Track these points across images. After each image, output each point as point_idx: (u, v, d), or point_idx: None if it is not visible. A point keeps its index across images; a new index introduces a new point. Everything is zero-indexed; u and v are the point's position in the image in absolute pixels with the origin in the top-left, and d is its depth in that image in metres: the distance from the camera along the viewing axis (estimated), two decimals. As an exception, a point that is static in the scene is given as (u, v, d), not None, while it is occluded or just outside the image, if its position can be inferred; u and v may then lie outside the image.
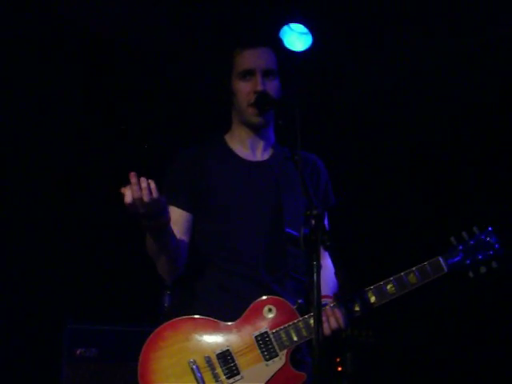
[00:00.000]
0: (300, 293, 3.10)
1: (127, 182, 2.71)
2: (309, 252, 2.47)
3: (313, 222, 2.49)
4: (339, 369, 5.34)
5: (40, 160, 5.31)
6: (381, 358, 5.69)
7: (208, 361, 2.87)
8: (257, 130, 3.21)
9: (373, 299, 2.92)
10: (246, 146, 3.23)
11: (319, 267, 2.42)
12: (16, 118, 5.18)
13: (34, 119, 5.27)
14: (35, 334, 5.13)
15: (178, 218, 3.08)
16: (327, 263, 3.10)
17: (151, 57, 5.61)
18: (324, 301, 2.92)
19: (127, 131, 5.59)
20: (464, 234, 3.00)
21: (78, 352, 4.79)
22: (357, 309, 2.91)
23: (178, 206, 3.11)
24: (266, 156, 3.24)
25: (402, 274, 2.95)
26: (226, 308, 2.98)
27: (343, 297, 2.92)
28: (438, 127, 5.79)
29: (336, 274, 2.81)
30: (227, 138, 3.28)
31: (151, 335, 2.94)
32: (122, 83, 5.52)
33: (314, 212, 2.50)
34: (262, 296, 2.96)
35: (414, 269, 2.95)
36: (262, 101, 3.07)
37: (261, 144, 3.24)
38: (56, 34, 5.17)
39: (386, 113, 5.94)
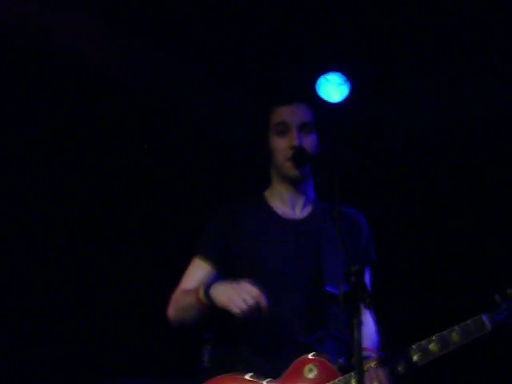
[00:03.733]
0: (341, 352, 3.03)
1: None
2: (349, 309, 2.44)
3: (352, 278, 2.47)
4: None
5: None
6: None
7: None
8: (295, 185, 3.22)
9: (415, 358, 2.85)
10: (286, 203, 3.24)
11: (360, 324, 2.39)
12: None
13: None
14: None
15: (202, 272, 3.14)
16: (368, 320, 3.05)
17: (191, 117, 5.63)
18: (367, 353, 2.86)
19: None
20: (509, 290, 2.92)
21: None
22: (400, 369, 2.84)
23: (206, 261, 3.15)
24: (305, 213, 3.24)
25: (445, 332, 2.88)
26: (267, 368, 2.95)
27: (386, 356, 2.87)
28: (485, 172, 5.70)
29: (378, 331, 2.78)
30: (267, 194, 3.30)
31: None
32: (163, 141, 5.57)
33: (353, 268, 2.49)
34: (300, 356, 2.92)
35: (456, 327, 2.88)
36: (298, 155, 3.09)
37: (300, 200, 3.24)
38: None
39: (430, 160, 5.88)
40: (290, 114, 3.19)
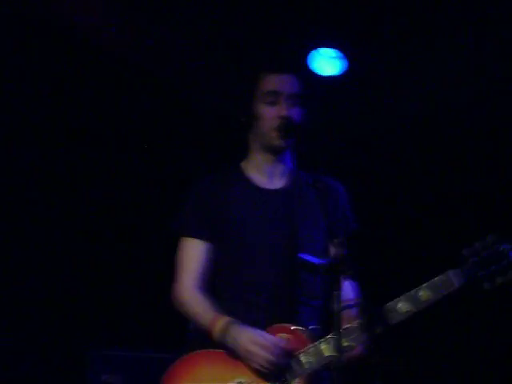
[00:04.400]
0: (313, 319, 3.06)
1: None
2: (329, 281, 2.51)
3: (335, 250, 2.52)
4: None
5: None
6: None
7: None
8: (276, 155, 3.18)
9: (389, 317, 2.82)
10: (264, 173, 3.21)
11: (339, 297, 2.44)
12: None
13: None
14: (59, 360, 5.12)
15: (198, 250, 3.12)
16: (346, 286, 3.03)
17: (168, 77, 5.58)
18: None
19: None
20: (477, 244, 2.85)
21: (102, 378, 4.76)
22: (377, 330, 2.81)
23: (200, 239, 3.12)
24: (283, 183, 3.21)
25: (413, 291, 2.85)
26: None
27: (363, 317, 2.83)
28: (476, 156, 5.69)
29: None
30: (244, 165, 3.27)
31: (169, 368, 2.98)
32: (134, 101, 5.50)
33: (335, 241, 2.49)
34: (274, 324, 2.92)
35: (423, 285, 2.85)
36: (286, 126, 3.04)
37: (278, 170, 3.22)
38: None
39: (424, 142, 5.86)
40: (282, 83, 3.13)
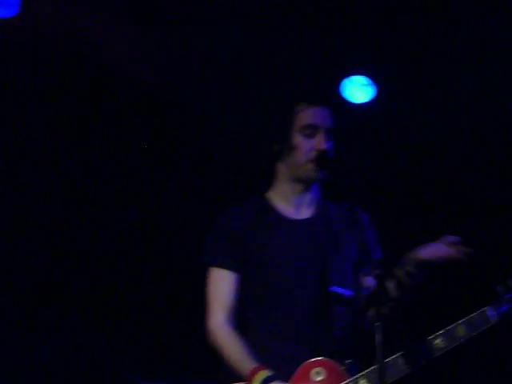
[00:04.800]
0: (347, 353, 3.06)
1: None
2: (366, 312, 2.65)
3: (374, 281, 2.57)
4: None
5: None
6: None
7: None
8: (306, 186, 3.21)
9: (427, 353, 2.86)
10: (291, 204, 3.22)
11: (381, 328, 2.45)
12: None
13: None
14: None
15: (231, 281, 3.12)
16: None
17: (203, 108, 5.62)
18: None
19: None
20: (510, 281, 2.92)
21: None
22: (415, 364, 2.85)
23: (228, 269, 3.12)
24: (310, 213, 3.23)
25: (450, 327, 2.89)
26: (276, 370, 2.94)
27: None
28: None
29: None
30: (269, 195, 3.27)
31: None
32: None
33: (376, 272, 2.52)
34: (307, 358, 2.94)
35: (460, 322, 2.89)
36: (323, 159, 3.09)
37: (306, 201, 3.23)
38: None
39: (452, 166, 5.87)
40: (320, 116, 3.17)
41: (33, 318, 5.16)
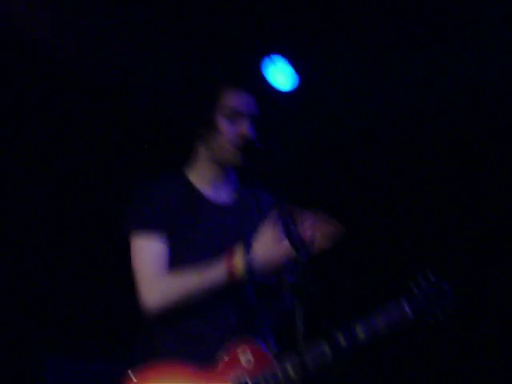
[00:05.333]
0: (270, 336, 3.11)
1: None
2: (292, 300, 2.53)
3: (299, 270, 2.55)
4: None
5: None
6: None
7: None
8: (226, 171, 3.19)
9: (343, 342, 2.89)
10: (210, 186, 3.19)
11: (302, 316, 2.46)
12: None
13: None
14: (16, 368, 5.09)
15: (158, 244, 3.01)
16: None
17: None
18: None
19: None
20: (421, 280, 3.04)
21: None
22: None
23: (156, 231, 3.01)
24: (229, 198, 3.23)
25: (369, 316, 2.96)
26: (198, 353, 2.96)
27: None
28: (426, 168, 5.84)
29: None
30: (189, 174, 3.23)
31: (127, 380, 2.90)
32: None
33: (301, 260, 2.56)
34: (232, 342, 2.96)
35: (378, 311, 2.96)
36: (247, 146, 3.07)
37: (225, 185, 3.23)
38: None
39: (378, 154, 5.97)
40: (246, 102, 3.15)
41: None
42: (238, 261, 2.87)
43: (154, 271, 2.96)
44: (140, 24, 5.22)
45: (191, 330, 2.98)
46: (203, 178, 3.20)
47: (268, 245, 2.86)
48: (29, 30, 5.00)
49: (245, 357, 2.95)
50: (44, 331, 5.16)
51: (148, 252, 2.99)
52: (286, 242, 2.69)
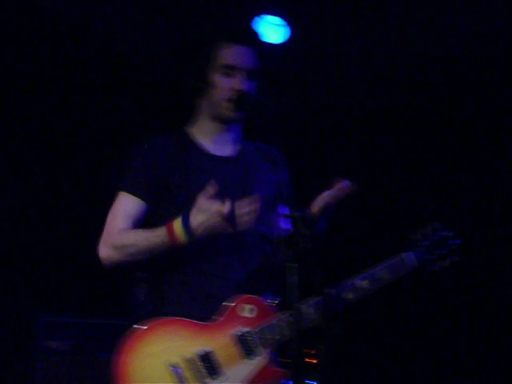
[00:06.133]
0: (271, 289, 3.11)
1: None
2: (287, 253, 2.53)
3: (293, 224, 2.56)
4: (314, 361, 5.36)
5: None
6: (352, 350, 5.75)
7: (191, 362, 2.87)
8: (227, 125, 3.19)
9: (350, 295, 2.95)
10: (212, 141, 3.20)
11: (297, 269, 2.47)
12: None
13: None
14: (7, 327, 5.10)
15: (132, 207, 3.05)
16: None
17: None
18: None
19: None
20: (423, 229, 3.07)
21: (51, 345, 4.78)
22: (334, 304, 2.92)
23: (135, 195, 3.06)
24: (231, 151, 3.22)
25: (374, 269, 2.98)
26: (197, 307, 2.98)
27: (322, 293, 2.89)
28: (411, 120, 5.82)
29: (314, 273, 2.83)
30: (192, 131, 3.24)
31: (128, 335, 2.91)
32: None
33: (295, 214, 2.55)
34: (234, 294, 2.97)
35: (380, 264, 2.99)
36: (242, 100, 3.06)
37: (228, 139, 3.22)
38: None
39: (367, 105, 5.94)
40: (242, 55, 3.13)
41: None
42: (178, 225, 2.90)
43: (115, 226, 3.04)
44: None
45: (194, 285, 3.00)
46: (204, 133, 3.21)
47: (204, 212, 2.87)
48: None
49: (247, 309, 2.97)
50: (37, 290, 5.17)
51: (118, 209, 3.07)
52: (222, 211, 2.81)
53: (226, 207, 2.84)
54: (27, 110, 5.36)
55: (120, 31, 5.47)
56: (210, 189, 2.87)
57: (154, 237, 2.94)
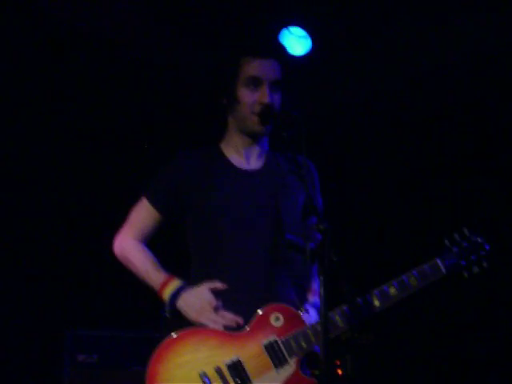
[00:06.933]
0: (302, 298, 3.13)
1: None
2: (315, 265, 2.56)
3: (321, 236, 2.56)
4: (339, 372, 5.35)
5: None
6: (379, 360, 5.72)
7: (219, 372, 2.88)
8: (254, 139, 3.22)
9: (376, 303, 2.94)
10: (241, 155, 3.24)
11: (327, 282, 2.49)
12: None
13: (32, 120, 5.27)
14: (37, 341, 5.13)
15: (149, 215, 3.20)
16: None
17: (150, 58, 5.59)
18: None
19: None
20: (456, 235, 3.06)
21: (78, 358, 4.80)
22: (361, 313, 2.91)
23: (151, 203, 3.19)
24: (259, 164, 3.25)
25: (403, 276, 2.97)
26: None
27: (349, 301, 2.92)
28: (437, 130, 5.79)
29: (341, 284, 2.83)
30: (222, 146, 3.29)
31: (159, 346, 2.94)
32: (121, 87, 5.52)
33: (322, 226, 2.55)
34: (265, 304, 2.97)
35: (413, 271, 2.98)
36: (267, 113, 3.08)
37: (256, 152, 3.25)
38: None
39: (388, 116, 5.92)
40: (265, 69, 3.14)
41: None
42: (168, 291, 3.04)
43: (133, 231, 3.23)
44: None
45: (222, 295, 3.01)
46: (233, 148, 3.25)
47: (198, 299, 3.00)
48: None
49: (276, 318, 2.96)
50: (63, 303, 5.19)
51: (138, 213, 3.24)
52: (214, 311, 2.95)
53: (218, 305, 2.96)
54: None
55: (151, 48, 5.55)
56: (219, 285, 2.99)
57: (151, 275, 3.10)
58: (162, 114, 5.74)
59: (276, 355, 2.91)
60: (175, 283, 3.04)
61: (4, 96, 5.09)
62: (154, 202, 3.18)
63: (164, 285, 3.04)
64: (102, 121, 5.57)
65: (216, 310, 2.96)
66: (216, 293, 3.02)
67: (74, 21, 5.17)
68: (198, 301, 2.98)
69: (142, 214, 3.21)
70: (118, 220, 3.21)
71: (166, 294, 3.02)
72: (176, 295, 3.01)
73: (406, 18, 5.29)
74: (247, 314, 2.97)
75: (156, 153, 5.44)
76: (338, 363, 5.34)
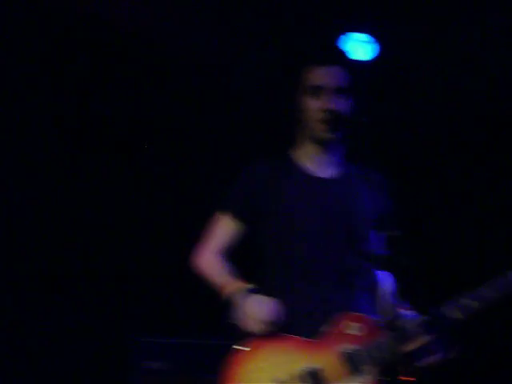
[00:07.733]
0: (373, 309, 3.08)
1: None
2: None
3: (393, 245, 2.62)
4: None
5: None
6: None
7: (298, 379, 2.86)
8: (325, 147, 3.21)
9: (458, 315, 2.86)
10: (314, 163, 3.24)
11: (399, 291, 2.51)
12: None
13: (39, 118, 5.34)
14: (101, 348, 5.18)
15: (230, 231, 3.19)
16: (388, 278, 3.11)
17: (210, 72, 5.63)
18: (403, 312, 2.96)
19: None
20: None
21: (144, 365, 4.83)
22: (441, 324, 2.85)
23: (234, 219, 3.18)
24: (333, 172, 3.24)
25: (482, 288, 2.89)
26: (301, 325, 2.97)
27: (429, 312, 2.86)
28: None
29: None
30: (294, 154, 3.30)
31: (234, 352, 2.95)
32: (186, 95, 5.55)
33: (396, 234, 2.53)
34: (340, 313, 2.96)
35: (486, 284, 2.90)
36: (332, 118, 3.08)
37: (329, 161, 3.24)
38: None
39: (463, 122, 5.84)
40: (326, 76, 3.15)
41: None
42: (232, 293, 3.01)
43: (211, 246, 3.22)
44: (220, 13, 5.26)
45: (295, 306, 3.00)
46: (306, 156, 3.26)
47: (257, 309, 2.93)
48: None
49: (353, 327, 2.94)
50: (128, 310, 5.23)
51: (216, 230, 3.24)
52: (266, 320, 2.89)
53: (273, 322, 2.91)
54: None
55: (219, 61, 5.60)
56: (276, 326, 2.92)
57: (217, 276, 3.11)
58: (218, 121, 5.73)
59: (356, 364, 2.88)
60: (248, 286, 3.00)
61: (13, 88, 5.15)
62: (233, 213, 3.18)
63: (226, 284, 3.03)
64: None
65: (267, 324, 2.91)
66: (289, 305, 2.99)
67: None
68: (257, 307, 2.93)
69: (220, 227, 3.22)
70: (190, 228, 3.24)
71: (235, 292, 2.98)
72: (242, 295, 2.96)
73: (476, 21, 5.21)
74: (322, 323, 2.95)
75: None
76: (419, 374, 5.23)
